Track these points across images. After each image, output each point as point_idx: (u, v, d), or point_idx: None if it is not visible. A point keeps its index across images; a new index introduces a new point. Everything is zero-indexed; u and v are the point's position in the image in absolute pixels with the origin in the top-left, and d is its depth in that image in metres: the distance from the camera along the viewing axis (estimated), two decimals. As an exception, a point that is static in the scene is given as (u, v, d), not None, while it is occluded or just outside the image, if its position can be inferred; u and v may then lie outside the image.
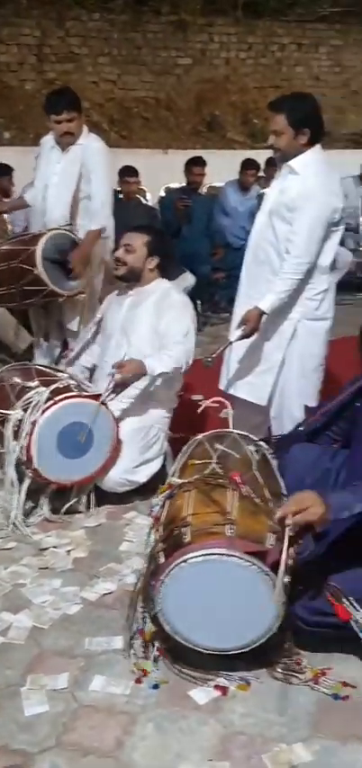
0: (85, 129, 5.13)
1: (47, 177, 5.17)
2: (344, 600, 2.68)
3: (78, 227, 5.08)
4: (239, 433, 3.37)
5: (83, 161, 5.04)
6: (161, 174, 8.66)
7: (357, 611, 2.68)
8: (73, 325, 5.21)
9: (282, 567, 2.50)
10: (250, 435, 3.43)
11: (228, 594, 2.65)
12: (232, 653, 2.72)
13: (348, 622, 2.67)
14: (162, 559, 2.73)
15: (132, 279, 4.23)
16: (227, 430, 3.45)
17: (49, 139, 5.20)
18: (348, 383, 3.41)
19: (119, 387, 3.87)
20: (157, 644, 2.80)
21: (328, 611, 2.69)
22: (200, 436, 3.37)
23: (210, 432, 3.43)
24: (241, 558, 2.61)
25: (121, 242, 4.29)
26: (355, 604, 2.68)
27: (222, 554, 2.62)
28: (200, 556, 2.63)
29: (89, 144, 5.08)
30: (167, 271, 4.40)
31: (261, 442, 3.41)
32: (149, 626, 2.80)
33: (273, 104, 4.01)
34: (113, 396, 3.87)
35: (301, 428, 3.56)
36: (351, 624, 2.68)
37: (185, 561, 2.64)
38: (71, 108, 4.98)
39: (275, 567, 2.60)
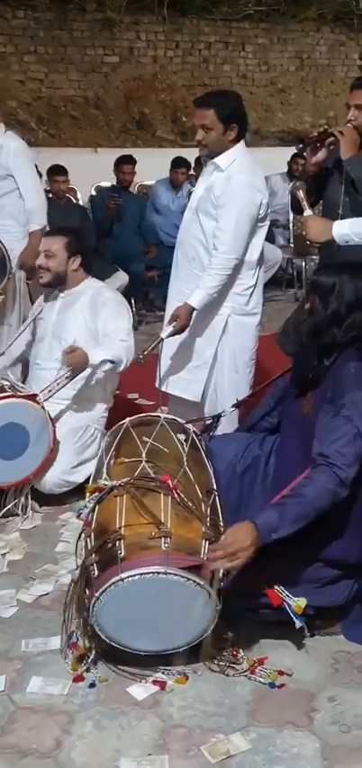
0: (1, 127, 5.07)
1: None
2: (276, 587, 2.73)
3: None
4: (166, 418, 3.35)
5: (1, 161, 4.98)
6: (91, 173, 8.59)
7: (289, 597, 2.73)
8: None
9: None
10: (178, 420, 3.44)
11: (163, 605, 2.64)
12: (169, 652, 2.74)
13: (279, 606, 2.72)
14: (95, 572, 2.68)
15: (58, 283, 4.20)
16: (154, 414, 3.43)
17: None
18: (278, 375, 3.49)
19: (61, 381, 3.85)
20: (93, 646, 2.77)
21: (262, 594, 2.74)
22: (126, 421, 3.32)
23: (136, 417, 3.39)
24: (177, 575, 2.60)
25: (40, 248, 4.26)
26: (286, 592, 2.73)
27: (158, 572, 2.59)
28: (136, 575, 2.59)
29: (6, 143, 5.01)
30: (92, 267, 4.37)
31: (189, 425, 3.41)
32: (84, 640, 2.77)
33: (201, 100, 4.03)
34: (50, 394, 3.84)
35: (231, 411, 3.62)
36: (284, 607, 2.73)
37: (121, 580, 2.60)
38: None
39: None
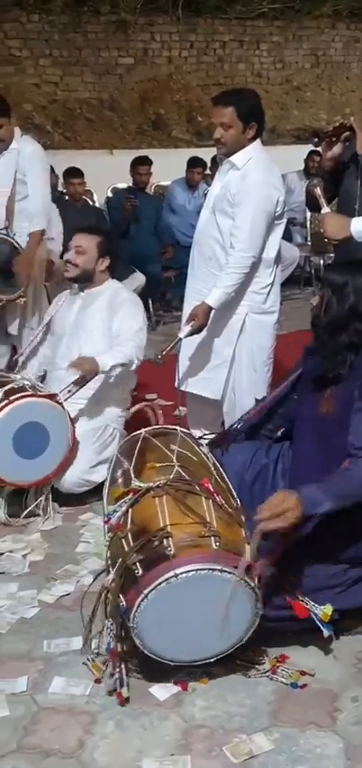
0: (17, 131, 5.09)
1: None
2: (301, 599, 2.71)
3: (16, 230, 5.05)
4: (183, 431, 3.33)
5: (18, 165, 5.00)
6: (107, 174, 8.62)
7: (315, 607, 2.71)
8: (12, 329, 5.18)
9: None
10: (192, 434, 3.44)
11: (207, 607, 2.59)
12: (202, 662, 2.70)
13: (306, 618, 2.70)
14: (140, 572, 2.58)
15: (84, 280, 4.22)
16: (170, 427, 3.41)
17: None
18: (283, 379, 3.45)
19: (76, 385, 3.85)
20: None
21: (287, 606, 2.72)
22: (142, 431, 3.29)
23: (151, 428, 3.37)
24: (231, 573, 2.55)
25: (70, 244, 4.27)
26: (311, 602, 2.72)
27: (213, 569, 2.54)
28: (191, 571, 2.52)
29: (23, 147, 5.04)
30: (116, 271, 4.39)
31: (201, 441, 3.40)
32: (117, 644, 2.66)
33: (220, 98, 4.01)
34: (69, 394, 3.85)
35: (239, 425, 3.60)
36: (311, 617, 2.71)
37: (175, 576, 2.51)
38: (1, 114, 4.93)
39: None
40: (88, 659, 2.76)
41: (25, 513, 3.82)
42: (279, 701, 2.61)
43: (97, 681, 2.68)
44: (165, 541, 2.60)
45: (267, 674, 2.73)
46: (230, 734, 2.47)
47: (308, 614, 2.70)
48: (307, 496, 2.61)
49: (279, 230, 4.08)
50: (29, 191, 5.06)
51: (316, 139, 3.78)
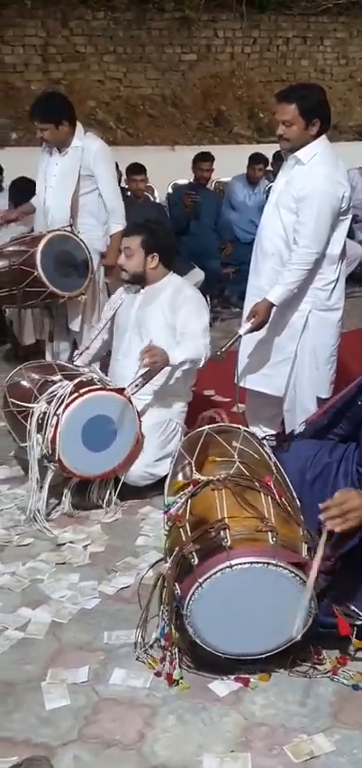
0: (80, 129, 5.11)
1: (46, 180, 5.18)
2: (346, 608, 2.67)
3: (79, 227, 5.09)
4: (246, 431, 3.32)
5: (83, 162, 5.03)
6: (169, 170, 8.63)
7: (360, 617, 2.69)
8: (75, 326, 5.23)
9: (314, 570, 2.47)
10: (256, 434, 3.42)
11: (261, 602, 2.58)
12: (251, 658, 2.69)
13: (348, 637, 2.66)
14: (196, 561, 2.60)
15: (137, 281, 4.23)
16: (234, 425, 3.40)
17: None
18: (353, 383, 3.39)
19: (144, 379, 3.85)
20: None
21: (332, 614, 2.69)
22: (206, 428, 3.30)
23: (215, 425, 3.36)
24: (286, 569, 2.53)
25: (122, 246, 4.29)
26: (356, 610, 2.69)
27: (269, 563, 2.53)
28: (246, 563, 2.52)
29: (88, 145, 5.06)
30: (173, 262, 4.34)
31: (264, 441, 3.39)
32: (175, 632, 2.71)
33: (282, 94, 3.98)
34: (137, 389, 3.85)
35: (302, 428, 3.55)
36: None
37: (230, 567, 2.52)
38: (46, 120, 4.96)
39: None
40: (142, 654, 2.77)
41: (107, 513, 3.86)
42: (340, 703, 2.59)
43: (157, 674, 2.69)
44: (222, 533, 2.61)
45: (328, 674, 2.70)
46: (291, 733, 2.45)
47: (350, 632, 2.66)
48: None
49: (344, 226, 4.03)
50: (102, 192, 5.10)
51: None
